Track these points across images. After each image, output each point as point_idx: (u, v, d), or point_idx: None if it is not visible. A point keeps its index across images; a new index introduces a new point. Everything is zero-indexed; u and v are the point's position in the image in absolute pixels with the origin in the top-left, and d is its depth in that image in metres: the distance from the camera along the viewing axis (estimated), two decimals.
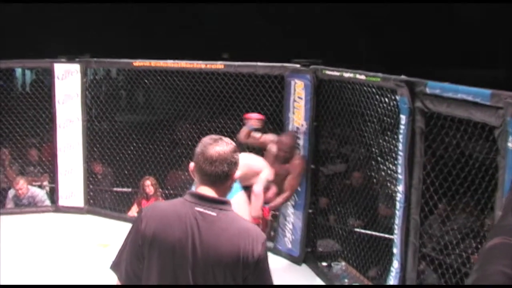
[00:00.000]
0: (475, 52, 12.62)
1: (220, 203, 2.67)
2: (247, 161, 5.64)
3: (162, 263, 2.63)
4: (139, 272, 2.67)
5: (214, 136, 2.74)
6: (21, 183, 7.71)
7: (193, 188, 2.81)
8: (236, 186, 5.51)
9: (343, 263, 5.98)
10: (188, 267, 2.59)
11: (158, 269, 2.64)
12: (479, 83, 4.01)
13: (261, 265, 2.67)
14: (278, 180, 5.85)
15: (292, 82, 6.11)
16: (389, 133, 4.92)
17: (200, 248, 2.59)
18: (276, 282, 5.96)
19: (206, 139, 2.71)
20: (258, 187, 5.67)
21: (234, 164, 2.69)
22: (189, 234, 2.60)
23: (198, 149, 2.69)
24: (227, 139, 2.73)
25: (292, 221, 6.24)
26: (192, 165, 2.72)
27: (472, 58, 12.61)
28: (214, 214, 2.62)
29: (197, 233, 2.59)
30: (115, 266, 2.74)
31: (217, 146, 2.67)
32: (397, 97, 4.57)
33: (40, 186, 8.19)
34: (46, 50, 8.38)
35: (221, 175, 2.66)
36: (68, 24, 13.72)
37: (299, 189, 6.11)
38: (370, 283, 5.68)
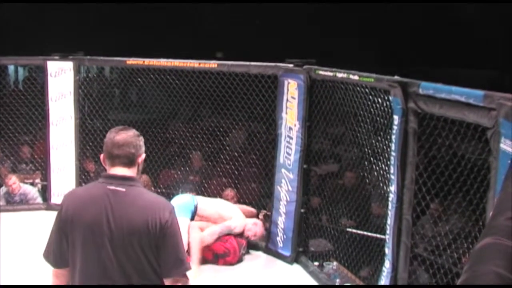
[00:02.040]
0: (471, 52, 12.64)
1: (129, 179, 3.02)
2: (219, 210, 6.23)
3: (83, 241, 2.94)
4: (66, 253, 3.01)
5: (119, 127, 3.18)
6: (13, 179, 7.69)
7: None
8: (186, 212, 5.79)
9: (335, 263, 5.98)
10: (106, 240, 2.91)
11: (81, 247, 2.95)
12: (475, 83, 4.02)
13: (170, 230, 2.96)
14: None
15: (285, 82, 6.11)
16: (382, 133, 4.93)
17: (114, 221, 2.92)
18: (267, 282, 5.98)
19: (112, 130, 3.12)
20: (215, 227, 6.10)
21: (139, 146, 3.09)
22: (103, 210, 2.93)
23: (106, 139, 3.08)
24: (130, 128, 3.17)
25: (284, 221, 6.24)
26: (102, 156, 3.10)
27: (468, 58, 12.63)
28: (123, 189, 2.98)
29: (109, 208, 2.93)
30: (46, 255, 3.09)
31: (122, 133, 3.08)
32: (390, 98, 4.57)
33: (32, 184, 8.17)
34: (39, 47, 8.35)
35: (129, 157, 3.03)
36: (62, 22, 13.67)
37: (291, 189, 6.12)
38: (361, 283, 5.69)
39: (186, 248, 5.79)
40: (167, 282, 3.02)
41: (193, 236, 5.90)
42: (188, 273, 5.56)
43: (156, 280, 2.99)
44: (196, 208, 6.08)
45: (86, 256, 2.95)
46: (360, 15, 13.87)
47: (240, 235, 6.24)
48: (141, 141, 3.12)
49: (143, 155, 3.12)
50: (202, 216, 6.10)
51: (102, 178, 3.07)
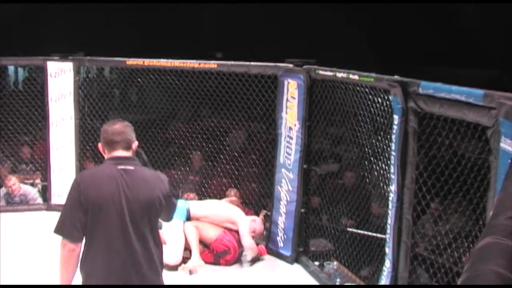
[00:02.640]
0: (471, 52, 12.64)
1: (133, 159, 3.57)
2: (214, 210, 6.34)
3: (105, 215, 3.38)
4: (82, 228, 3.39)
5: (113, 119, 3.77)
6: (13, 180, 7.69)
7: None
8: (180, 215, 5.89)
9: (335, 263, 5.98)
10: (125, 210, 3.39)
11: (102, 221, 3.38)
12: (475, 83, 4.02)
13: (170, 196, 3.65)
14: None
15: (285, 82, 6.10)
16: (382, 133, 4.93)
17: (131, 195, 3.41)
18: (268, 281, 5.99)
19: (108, 122, 3.70)
20: (244, 233, 6.19)
21: (133, 134, 3.60)
22: (120, 186, 3.41)
23: (104, 129, 3.59)
24: (123, 119, 3.73)
25: (284, 221, 6.24)
26: (100, 145, 3.60)
27: (468, 58, 12.64)
28: (132, 168, 3.49)
29: (125, 184, 3.42)
30: (59, 229, 3.45)
31: (118, 123, 3.62)
32: (390, 97, 4.57)
33: (32, 184, 8.16)
34: (39, 47, 8.35)
35: (128, 142, 3.54)
36: (62, 22, 13.68)
37: (291, 188, 6.12)
38: (362, 283, 5.69)
39: (183, 244, 5.95)
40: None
41: (188, 231, 6.05)
42: (191, 262, 5.93)
43: (157, 239, 3.59)
44: (188, 212, 6.15)
45: (107, 229, 3.40)
46: (360, 15, 13.87)
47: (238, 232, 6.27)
48: (133, 131, 3.63)
49: (136, 142, 3.62)
50: (196, 218, 6.18)
51: (109, 160, 3.54)
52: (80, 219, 3.38)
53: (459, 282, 1.42)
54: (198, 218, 6.19)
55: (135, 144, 3.59)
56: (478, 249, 1.46)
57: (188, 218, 6.15)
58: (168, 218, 3.90)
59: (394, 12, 13.47)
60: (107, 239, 3.40)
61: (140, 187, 3.45)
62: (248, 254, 6.17)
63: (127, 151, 3.54)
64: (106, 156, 3.58)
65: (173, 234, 5.96)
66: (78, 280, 3.58)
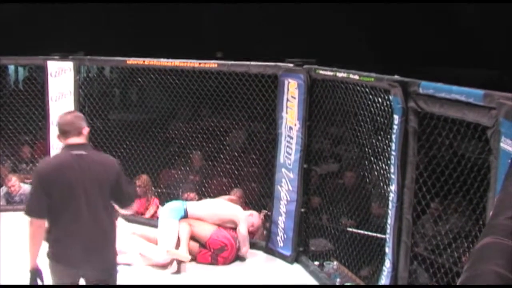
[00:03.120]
0: (471, 52, 12.64)
1: (84, 145, 4.06)
2: (214, 210, 6.35)
3: (66, 196, 3.87)
4: (46, 208, 3.85)
5: (65, 111, 4.40)
6: (13, 180, 7.69)
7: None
8: (177, 215, 5.91)
9: (335, 263, 5.98)
10: (82, 192, 3.89)
11: (64, 201, 3.88)
12: (475, 83, 4.02)
13: (120, 176, 4.12)
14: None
15: (286, 82, 6.10)
16: (382, 133, 4.93)
17: (88, 177, 3.92)
18: (267, 281, 5.98)
19: (60, 115, 4.22)
20: (243, 229, 6.25)
21: (83, 122, 4.12)
22: (76, 170, 3.91)
23: (57, 123, 4.14)
24: (74, 111, 4.52)
25: (284, 220, 6.24)
26: (56, 134, 4.11)
27: (468, 58, 12.64)
28: (85, 153, 4.00)
29: (79, 168, 3.91)
30: (28, 211, 3.90)
31: (69, 114, 4.24)
32: (391, 97, 4.57)
33: None
34: (39, 47, 8.34)
35: (78, 129, 4.03)
36: (63, 22, 13.67)
37: (291, 188, 6.13)
38: (362, 283, 5.68)
39: (175, 243, 5.94)
40: (121, 210, 4.31)
41: (180, 227, 6.06)
42: (177, 250, 5.91)
43: (112, 213, 4.14)
44: (186, 212, 6.15)
45: (69, 207, 3.89)
46: (360, 15, 13.87)
47: (235, 228, 6.27)
48: (83, 119, 4.16)
49: (87, 128, 4.12)
50: (195, 219, 6.18)
51: (64, 148, 4.05)
52: (44, 200, 3.85)
53: (458, 282, 1.42)
54: (197, 219, 6.19)
55: (85, 129, 4.08)
56: (478, 249, 1.46)
57: (185, 217, 6.15)
58: (121, 201, 4.19)
59: (394, 12, 13.47)
60: (69, 216, 3.90)
61: (93, 169, 3.96)
62: (241, 244, 6.19)
63: (79, 137, 4.02)
64: (62, 144, 4.08)
65: (165, 233, 5.97)
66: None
